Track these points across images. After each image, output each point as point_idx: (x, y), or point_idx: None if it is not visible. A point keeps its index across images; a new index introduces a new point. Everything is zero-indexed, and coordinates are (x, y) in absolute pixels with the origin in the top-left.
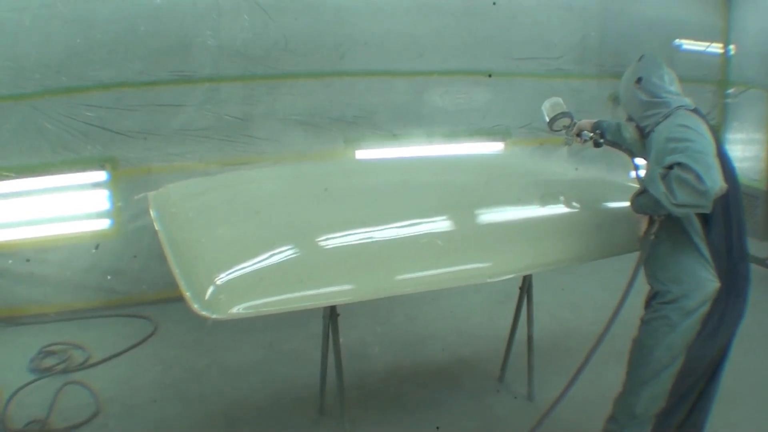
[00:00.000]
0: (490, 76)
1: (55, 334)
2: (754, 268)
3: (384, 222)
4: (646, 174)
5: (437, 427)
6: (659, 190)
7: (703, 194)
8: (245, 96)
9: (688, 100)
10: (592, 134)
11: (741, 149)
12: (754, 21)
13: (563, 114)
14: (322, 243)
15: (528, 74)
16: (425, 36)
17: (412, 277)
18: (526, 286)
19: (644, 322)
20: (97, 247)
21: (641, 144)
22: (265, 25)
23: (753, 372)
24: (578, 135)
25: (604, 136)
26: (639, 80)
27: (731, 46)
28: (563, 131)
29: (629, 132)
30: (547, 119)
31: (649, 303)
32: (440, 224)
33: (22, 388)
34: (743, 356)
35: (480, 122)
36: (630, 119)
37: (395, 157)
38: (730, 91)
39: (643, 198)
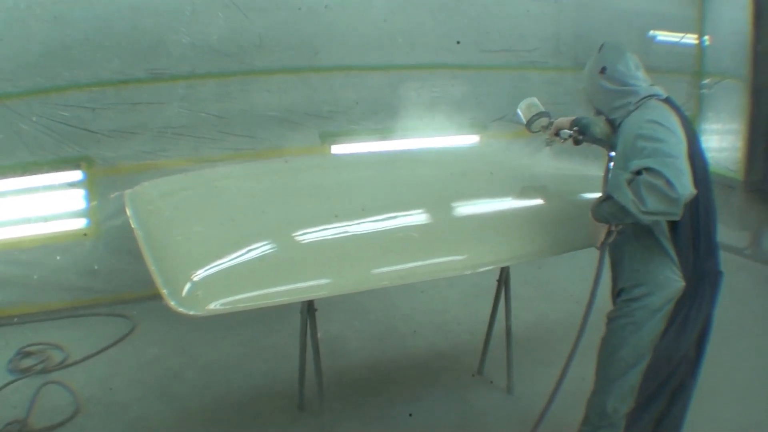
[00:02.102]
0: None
1: (33, 335)
2: (733, 258)
3: (360, 216)
4: (611, 179)
5: (410, 414)
6: (627, 198)
7: (674, 201)
8: (220, 93)
9: (659, 89)
10: (571, 132)
11: (717, 140)
12: (728, 11)
13: (540, 114)
14: (299, 238)
15: (503, 67)
16: (400, 30)
17: (389, 271)
18: (503, 278)
19: (610, 320)
20: None
21: (612, 138)
22: (239, 23)
23: (733, 364)
24: (557, 134)
25: (583, 133)
26: (603, 70)
27: (706, 37)
28: (542, 131)
29: (600, 127)
30: (524, 121)
31: (614, 300)
32: (417, 217)
33: (0, 389)
34: (723, 348)
35: (455, 115)
36: (599, 113)
37: (371, 152)
38: (706, 81)
39: (607, 206)
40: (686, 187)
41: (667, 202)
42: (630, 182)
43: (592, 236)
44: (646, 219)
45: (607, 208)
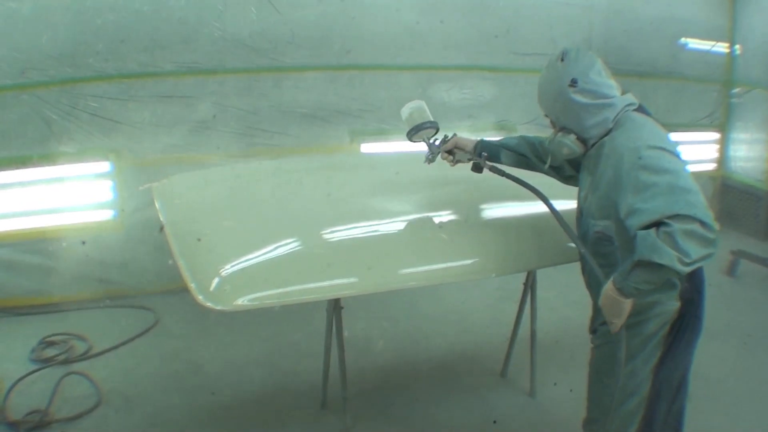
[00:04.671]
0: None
1: (57, 325)
2: (758, 269)
3: (389, 216)
4: (642, 240)
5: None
6: (671, 255)
7: (712, 242)
8: (251, 88)
9: (631, 96)
10: (470, 155)
11: (745, 149)
12: (760, 21)
13: (429, 123)
14: (327, 236)
15: (533, 70)
16: (431, 31)
17: (417, 272)
18: (530, 282)
19: (596, 346)
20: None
21: (571, 163)
22: (271, 18)
23: (756, 374)
24: (450, 152)
25: (495, 160)
26: (574, 82)
27: (737, 46)
28: (425, 143)
29: (568, 146)
30: (408, 128)
31: (596, 329)
32: (444, 219)
33: (22, 378)
34: (746, 358)
35: (485, 117)
36: (566, 131)
37: (400, 152)
38: (735, 91)
39: (640, 274)
40: (713, 221)
41: (707, 244)
42: (657, 234)
43: (612, 317)
44: (688, 271)
45: (643, 276)
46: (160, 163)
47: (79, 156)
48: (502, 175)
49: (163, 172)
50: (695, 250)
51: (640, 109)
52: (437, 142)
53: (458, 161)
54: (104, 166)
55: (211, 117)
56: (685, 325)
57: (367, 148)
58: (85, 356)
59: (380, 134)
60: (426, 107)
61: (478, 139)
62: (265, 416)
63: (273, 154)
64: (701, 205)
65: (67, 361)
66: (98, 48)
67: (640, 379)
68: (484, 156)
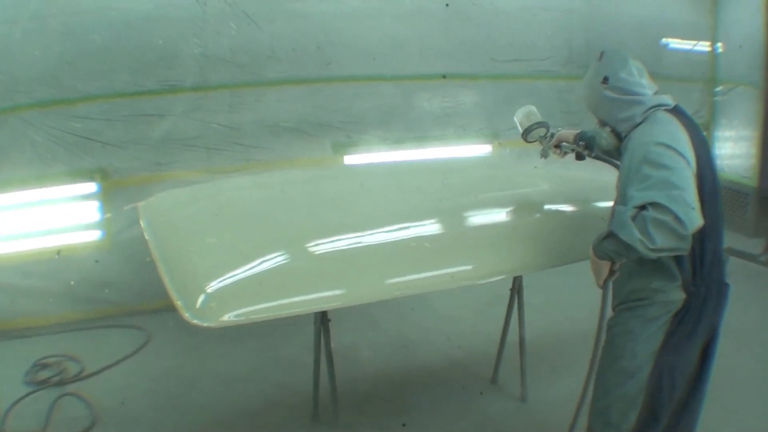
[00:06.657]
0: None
1: (49, 347)
2: (747, 265)
3: (373, 226)
4: (615, 216)
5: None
6: (634, 236)
7: (683, 238)
8: (232, 104)
9: (666, 98)
10: (573, 146)
11: (731, 146)
12: (742, 18)
13: (539, 124)
14: (312, 249)
15: (514, 76)
16: (411, 41)
17: (402, 281)
18: (516, 287)
19: (609, 327)
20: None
21: (617, 151)
22: (251, 33)
23: (750, 371)
24: (557, 146)
25: (590, 148)
26: (606, 80)
27: (719, 44)
28: (539, 142)
29: (605, 138)
30: (521, 130)
31: (614, 308)
32: (429, 227)
33: (17, 401)
34: (740, 355)
35: (467, 125)
36: (603, 124)
37: (383, 162)
38: (719, 89)
39: (611, 243)
40: (694, 222)
41: (676, 238)
42: (634, 218)
43: (594, 274)
44: (654, 256)
45: (611, 246)
46: (146, 181)
47: (65, 177)
48: (600, 160)
49: (148, 191)
50: (661, 240)
51: (676, 109)
52: (548, 140)
53: (565, 153)
54: (90, 186)
55: (195, 134)
56: (688, 317)
57: (351, 159)
58: (78, 377)
59: (363, 145)
60: (535, 110)
61: (579, 131)
62: (258, 430)
63: (257, 169)
64: (682, 202)
65: (61, 383)
66: (82, 68)
67: (640, 362)
68: (581, 145)
